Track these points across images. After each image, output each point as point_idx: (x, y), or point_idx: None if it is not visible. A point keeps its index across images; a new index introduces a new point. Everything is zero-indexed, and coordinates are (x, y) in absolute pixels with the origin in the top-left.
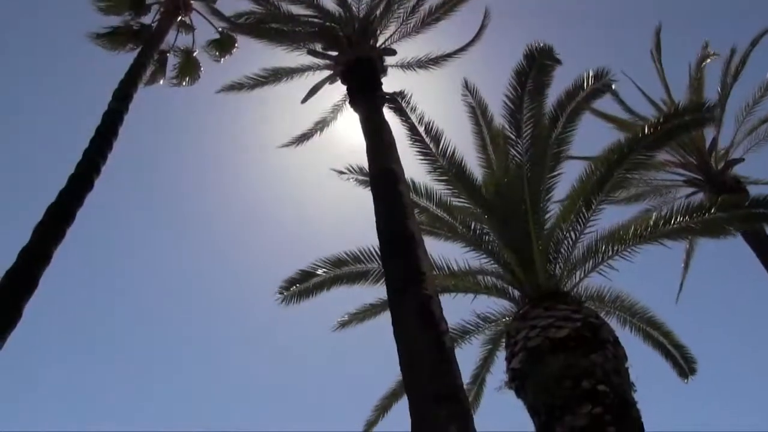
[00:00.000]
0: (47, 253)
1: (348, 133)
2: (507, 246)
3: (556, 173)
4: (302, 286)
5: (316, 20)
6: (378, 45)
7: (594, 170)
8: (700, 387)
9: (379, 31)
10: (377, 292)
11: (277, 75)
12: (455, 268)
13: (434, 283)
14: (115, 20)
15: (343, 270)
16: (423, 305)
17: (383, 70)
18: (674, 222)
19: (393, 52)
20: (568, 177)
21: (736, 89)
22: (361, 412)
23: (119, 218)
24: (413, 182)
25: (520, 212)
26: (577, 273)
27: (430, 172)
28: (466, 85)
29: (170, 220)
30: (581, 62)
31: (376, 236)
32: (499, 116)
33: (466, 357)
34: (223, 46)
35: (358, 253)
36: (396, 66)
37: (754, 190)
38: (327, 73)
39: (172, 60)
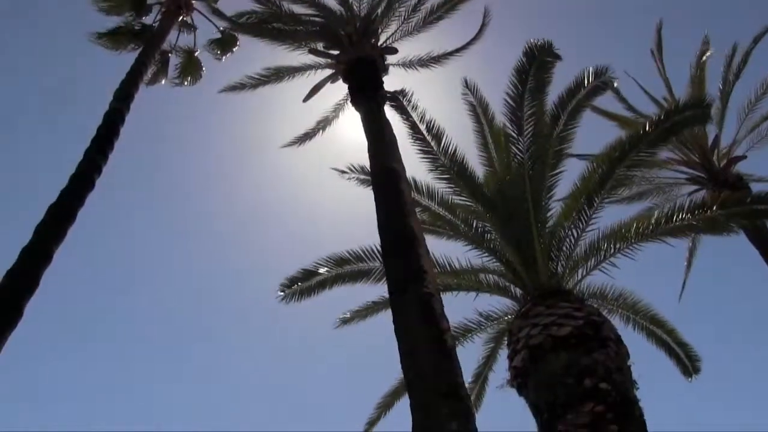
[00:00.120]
0: (48, 253)
1: (350, 131)
2: (509, 244)
3: (557, 171)
4: (304, 284)
5: (317, 19)
6: (379, 44)
7: (596, 168)
8: (704, 386)
9: (380, 30)
10: (379, 290)
11: (279, 74)
12: (457, 266)
13: (435, 281)
14: (116, 20)
15: (345, 269)
16: (424, 303)
17: (384, 69)
18: (676, 219)
19: (394, 51)
20: (570, 175)
21: (739, 86)
22: (363, 411)
23: (120, 218)
24: (415, 181)
25: (522, 210)
26: (579, 271)
27: (432, 170)
28: (467, 83)
29: (171, 220)
30: (583, 61)
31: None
32: (500, 114)
33: (469, 355)
34: (224, 45)
35: (360, 251)
36: (397, 65)
37: (756, 188)
38: (329, 72)
39: (174, 60)
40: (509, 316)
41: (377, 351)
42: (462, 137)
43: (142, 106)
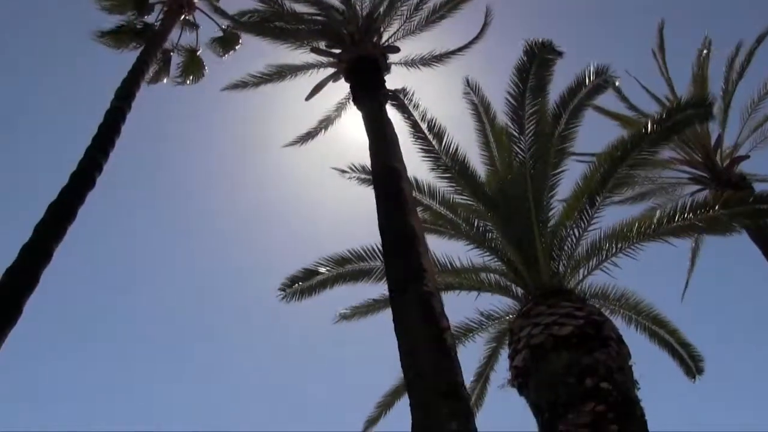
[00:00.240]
0: (48, 251)
1: (353, 131)
2: (510, 243)
3: (559, 170)
4: (305, 284)
5: (319, 18)
6: (381, 42)
7: (598, 167)
8: (706, 386)
9: (382, 29)
10: (381, 290)
11: (281, 73)
12: (458, 265)
13: (436, 280)
14: (118, 19)
15: (346, 268)
16: (424, 302)
17: (386, 68)
18: (678, 219)
19: (396, 50)
20: (572, 175)
21: (742, 86)
22: (363, 411)
23: (121, 216)
24: (416, 180)
25: (524, 209)
26: (581, 271)
27: (433, 169)
28: (468, 83)
29: (172, 218)
30: (585, 61)
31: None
32: (502, 114)
33: (471, 355)
34: (226, 43)
35: (361, 251)
36: (399, 63)
37: (760, 188)
38: (331, 70)
39: (176, 59)
40: (510, 316)
41: (378, 350)
42: (464, 136)
43: (144, 104)
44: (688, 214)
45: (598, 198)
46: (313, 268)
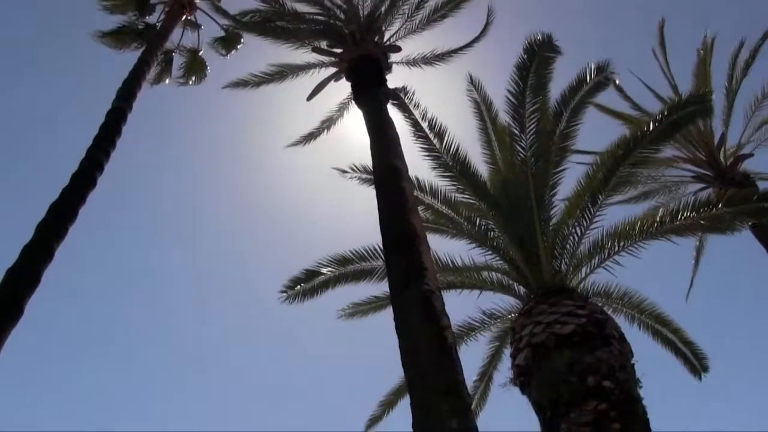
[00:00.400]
0: (49, 250)
1: (355, 131)
2: (512, 242)
3: (561, 168)
4: (307, 285)
5: (320, 17)
6: (383, 42)
7: (600, 165)
8: (708, 385)
9: (383, 28)
10: (383, 289)
11: (282, 72)
12: (460, 264)
13: (437, 279)
14: (120, 19)
15: (348, 268)
16: (424, 300)
17: (388, 67)
18: (681, 218)
19: (398, 49)
20: (574, 174)
21: (746, 84)
22: (365, 410)
23: (121, 216)
24: (417, 179)
25: (525, 208)
26: (583, 269)
27: (435, 168)
28: (471, 80)
29: (172, 218)
30: (587, 60)
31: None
32: (503, 112)
33: (474, 354)
34: (228, 43)
35: (363, 251)
36: (401, 63)
37: (764, 186)
38: (332, 70)
39: (179, 59)
40: (513, 315)
41: (379, 350)
42: (465, 135)
43: (146, 105)
44: (692, 212)
45: (600, 196)
46: (315, 268)
